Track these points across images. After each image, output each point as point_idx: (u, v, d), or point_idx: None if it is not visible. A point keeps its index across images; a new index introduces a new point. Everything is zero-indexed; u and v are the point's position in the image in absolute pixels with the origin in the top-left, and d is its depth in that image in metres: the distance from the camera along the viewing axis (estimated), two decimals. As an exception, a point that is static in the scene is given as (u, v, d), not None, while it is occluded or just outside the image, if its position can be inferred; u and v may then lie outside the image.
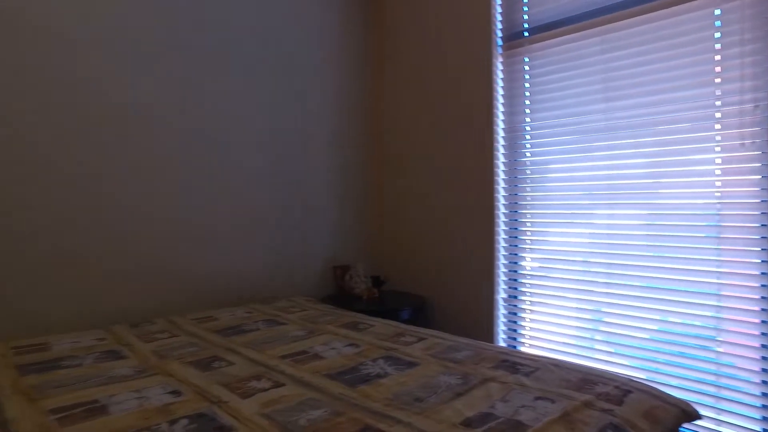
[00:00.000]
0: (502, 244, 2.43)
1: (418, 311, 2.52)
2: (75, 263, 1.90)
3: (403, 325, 1.89)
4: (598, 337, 2.07)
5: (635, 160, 1.96)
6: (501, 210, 2.42)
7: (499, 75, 2.41)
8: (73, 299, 1.89)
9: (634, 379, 1.36)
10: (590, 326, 2.09)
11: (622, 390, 1.25)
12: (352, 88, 2.88)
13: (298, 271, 2.62)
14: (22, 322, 1.78)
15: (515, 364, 1.44)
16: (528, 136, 2.32)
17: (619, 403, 1.18)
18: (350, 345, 1.61)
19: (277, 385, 1.26)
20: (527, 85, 2.30)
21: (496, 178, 2.41)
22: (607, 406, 1.16)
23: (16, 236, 1.77)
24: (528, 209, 2.33)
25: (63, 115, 1.88)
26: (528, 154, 2.32)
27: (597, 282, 2.07)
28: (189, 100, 2.21)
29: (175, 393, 1.21)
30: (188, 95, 2.20)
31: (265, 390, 1.23)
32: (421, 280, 2.74)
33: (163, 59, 2.13)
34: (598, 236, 2.07)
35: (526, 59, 2.30)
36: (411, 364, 1.43)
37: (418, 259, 2.77)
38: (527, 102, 2.31)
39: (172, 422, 1.05)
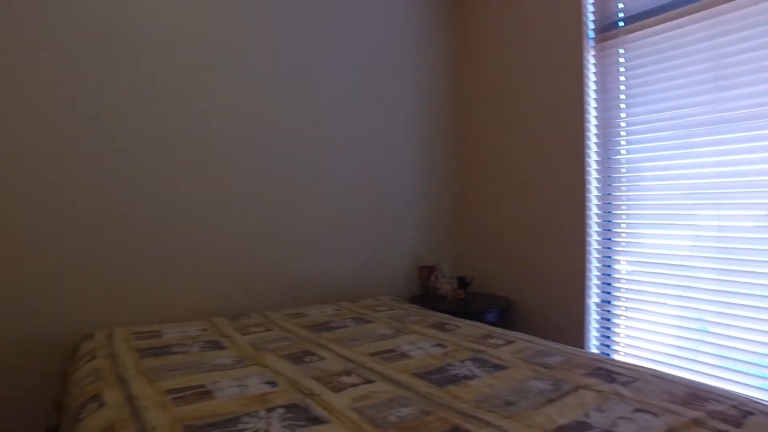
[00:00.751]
0: (594, 246, 2.31)
1: (503, 313, 2.46)
2: (183, 261, 2.08)
3: (489, 327, 1.86)
4: (703, 348, 1.91)
5: (749, 155, 1.78)
6: (592, 210, 2.31)
7: (590, 70, 2.30)
8: (181, 293, 2.07)
9: (755, 400, 1.23)
10: (694, 336, 1.93)
11: (741, 410, 1.13)
12: (438, 90, 2.88)
13: (385, 271, 2.66)
14: (141, 311, 1.99)
15: (611, 372, 1.36)
16: (623, 133, 2.19)
17: (738, 425, 1.07)
18: (437, 345, 1.62)
19: (367, 381, 1.30)
20: (622, 78, 2.18)
21: (588, 177, 2.29)
22: (722, 426, 1.05)
23: (137, 238, 1.98)
24: (623, 210, 2.20)
25: (182, 141, 2.06)
26: (623, 152, 2.19)
27: (702, 288, 1.90)
28: (290, 113, 2.33)
29: (272, 383, 1.28)
30: (289, 108, 2.33)
31: (355, 385, 1.26)
32: (506, 282, 2.68)
33: (262, 72, 2.26)
34: (703, 239, 1.91)
35: (621, 51, 2.18)
36: (499, 367, 1.41)
37: (503, 260, 2.71)
38: (622, 96, 2.18)
39: (270, 410, 1.11)
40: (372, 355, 1.52)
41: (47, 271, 1.84)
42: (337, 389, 1.24)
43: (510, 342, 1.66)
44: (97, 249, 1.92)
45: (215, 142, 2.16)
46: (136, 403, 1.14)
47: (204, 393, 1.20)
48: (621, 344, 2.21)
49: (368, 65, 2.60)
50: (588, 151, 2.29)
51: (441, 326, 1.87)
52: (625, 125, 2.18)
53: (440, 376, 1.34)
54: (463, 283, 2.65)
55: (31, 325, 1.81)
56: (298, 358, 1.49)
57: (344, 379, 1.31)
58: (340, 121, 2.50)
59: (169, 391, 1.21)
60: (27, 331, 1.81)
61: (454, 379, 1.30)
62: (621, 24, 2.18)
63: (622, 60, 2.18)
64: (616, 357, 2.21)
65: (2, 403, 1.78)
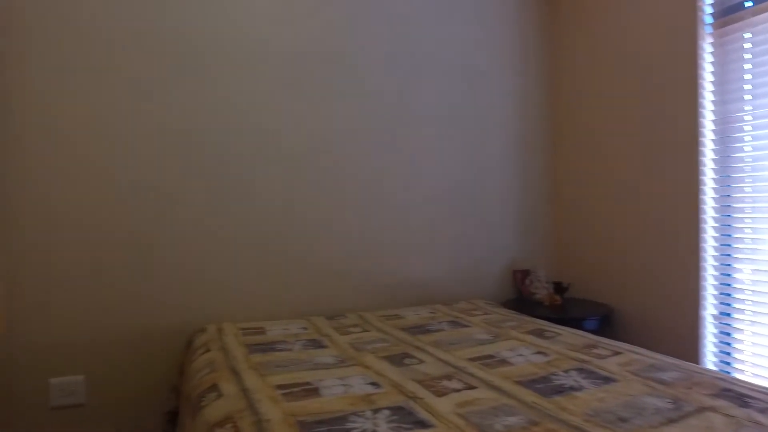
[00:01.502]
0: (710, 252, 2.11)
1: (604, 322, 2.33)
2: (284, 264, 2.20)
3: (593, 336, 1.77)
4: None
5: None
6: (708, 213, 2.11)
7: (706, 59, 2.10)
8: (282, 293, 2.19)
9: None
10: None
11: None
12: (533, 90, 2.79)
13: (478, 274, 2.62)
14: (246, 308, 2.13)
15: (742, 395, 1.23)
16: (748, 128, 1.98)
17: None
18: (538, 353, 1.56)
19: (469, 387, 1.28)
20: (748, 66, 1.97)
21: (702, 177, 2.10)
22: None
23: (244, 243, 2.12)
24: (746, 212, 1.99)
25: (283, 151, 2.17)
26: (747, 148, 1.98)
27: None
28: (381, 117, 2.37)
29: (375, 384, 1.30)
30: (380, 113, 2.37)
31: (457, 390, 1.25)
32: (607, 289, 2.53)
33: (354, 81, 2.32)
34: None
35: (747, 35, 1.97)
36: (608, 380, 1.33)
37: (604, 265, 2.56)
38: (747, 87, 1.97)
39: (376, 411, 1.13)
40: (472, 360, 1.50)
41: (168, 271, 2.02)
42: (440, 393, 1.23)
43: (617, 353, 1.57)
44: (209, 252, 2.08)
45: (312, 152, 2.25)
46: (251, 396, 1.21)
47: (311, 390, 1.25)
48: (745, 363, 1.99)
49: (460, 66, 2.57)
50: (702, 149, 2.10)
51: (540, 333, 1.80)
52: (750, 119, 1.97)
53: (545, 385, 1.29)
54: (560, 288, 2.54)
55: (155, 319, 2.00)
56: (397, 360, 1.51)
57: (446, 383, 1.31)
58: (431, 124, 2.50)
59: (279, 387, 1.27)
60: (152, 323, 1.99)
61: (560, 390, 1.25)
62: (748, 4, 1.97)
63: (747, 46, 1.97)
64: (737, 376, 2.00)
65: (134, 386, 1.97)
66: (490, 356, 1.54)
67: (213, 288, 2.08)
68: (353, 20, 2.33)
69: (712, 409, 1.15)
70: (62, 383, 1.89)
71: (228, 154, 2.12)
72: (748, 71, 1.97)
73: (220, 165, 2.10)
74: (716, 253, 2.10)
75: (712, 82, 2.09)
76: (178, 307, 2.03)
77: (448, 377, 1.35)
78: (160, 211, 2.01)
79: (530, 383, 1.30)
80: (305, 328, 1.90)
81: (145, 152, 2.00)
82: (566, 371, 1.39)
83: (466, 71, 2.59)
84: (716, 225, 2.10)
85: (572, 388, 1.26)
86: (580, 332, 1.82)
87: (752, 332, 1.97)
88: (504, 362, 1.48)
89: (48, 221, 1.87)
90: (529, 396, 1.21)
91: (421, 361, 1.49)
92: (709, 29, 2.09)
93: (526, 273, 2.67)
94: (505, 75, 2.71)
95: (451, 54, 2.55)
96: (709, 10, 2.09)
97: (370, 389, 1.27)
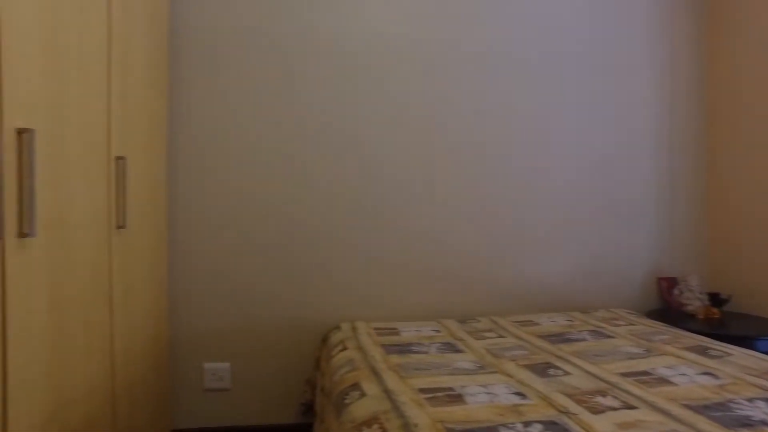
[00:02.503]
0: None
1: (780, 343, 2.00)
2: (416, 265, 2.20)
3: (773, 360, 1.52)
4: None
5: None
6: None
7: None
8: (413, 294, 2.20)
9: None
10: None
11: None
12: (681, 84, 2.50)
13: (616, 280, 2.41)
14: (377, 308, 2.17)
15: None
16: None
17: None
18: (705, 374, 1.38)
19: (628, 406, 1.16)
20: None
21: None
22: None
23: (377, 244, 2.17)
24: None
25: (415, 149, 2.19)
26: None
27: None
28: (510, 112, 2.28)
29: (520, 395, 1.23)
30: (510, 107, 2.28)
31: (614, 409, 1.14)
32: (778, 303, 2.18)
33: (481, 74, 2.26)
34: None
35: None
36: (805, 414, 1.13)
37: (774, 276, 2.21)
38: None
39: (526, 424, 1.07)
40: (624, 375, 1.37)
41: (307, 270, 2.13)
42: (596, 411, 1.13)
43: (809, 381, 1.33)
44: (345, 253, 2.15)
45: (450, 151, 2.23)
46: (394, 398, 1.21)
47: (455, 396, 1.22)
48: None
49: (600, 53, 2.38)
50: None
51: (702, 351, 1.60)
52: None
53: (724, 414, 1.12)
54: (717, 300, 2.24)
55: (292, 314, 2.11)
56: (540, 369, 1.42)
57: (600, 399, 1.20)
58: (563, 119, 2.35)
59: (421, 390, 1.26)
60: (289, 318, 2.11)
61: (747, 423, 1.08)
62: None
63: None
64: None
65: (272, 376, 2.10)
66: (646, 373, 1.39)
67: (347, 287, 2.15)
68: (498, 18, 2.27)
69: None
70: (213, 368, 2.07)
71: (373, 156, 2.17)
72: None
73: (365, 167, 2.17)
74: None
75: None
76: (314, 304, 2.13)
77: (602, 393, 1.24)
78: (304, 213, 2.12)
79: (703, 409, 1.15)
80: (438, 331, 1.88)
81: (294, 154, 2.12)
82: (750, 400, 1.20)
83: (609, 68, 2.39)
84: None
85: (764, 423, 1.08)
86: (757, 354, 1.57)
87: None
88: (664, 381, 1.33)
89: (201, 221, 2.06)
90: (705, 425, 1.07)
91: (567, 373, 1.39)
92: None
93: (673, 281, 2.40)
94: (653, 70, 2.45)
95: (595, 50, 2.37)
96: None
97: (516, 399, 1.20)
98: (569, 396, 1.22)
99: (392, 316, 2.17)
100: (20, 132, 0.93)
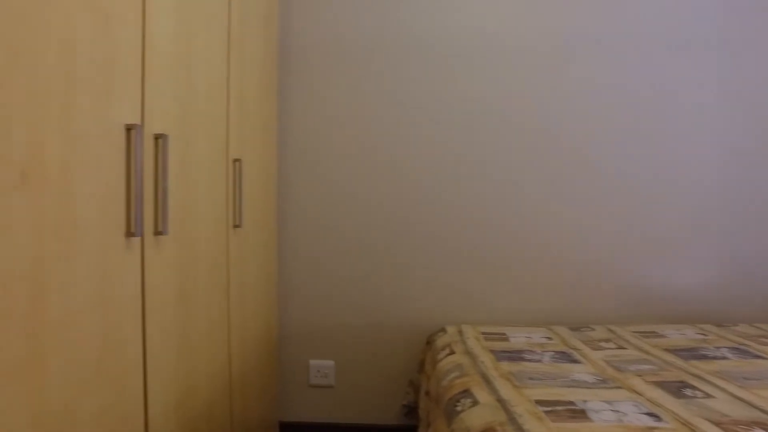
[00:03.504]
0: None
1: None
2: (526, 267, 2.09)
3: None
4: None
5: None
6: None
7: None
8: (522, 298, 2.09)
9: None
10: None
11: None
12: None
13: (759, 288, 2.12)
14: (484, 311, 2.09)
15: None
16: None
17: None
18: None
19: (798, 442, 0.99)
20: None
21: None
22: None
23: (485, 244, 2.09)
24: None
25: (523, 146, 2.09)
26: None
27: None
28: (631, 106, 2.09)
29: (653, 416, 1.10)
30: (630, 100, 2.09)
31: (779, 445, 0.98)
32: None
33: (605, 55, 2.09)
34: None
35: None
36: None
37: None
38: None
39: (666, 451, 0.95)
40: (784, 404, 1.18)
41: (413, 271, 2.10)
42: (752, 444, 0.98)
43: None
44: (452, 254, 2.10)
45: (551, 144, 2.09)
46: (510, 408, 1.14)
47: (578, 412, 1.12)
48: None
49: (730, 37, 2.10)
50: None
51: None
52: None
53: None
54: None
55: (397, 314, 2.10)
56: (674, 389, 1.27)
57: None
58: (691, 108, 2.10)
59: (539, 402, 1.17)
60: (394, 318, 2.10)
61: None
62: None
63: None
64: None
65: (374, 376, 2.11)
66: (812, 402, 1.19)
67: (453, 289, 2.09)
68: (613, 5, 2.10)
69: None
70: (318, 365, 2.12)
71: (480, 155, 2.10)
72: None
73: (472, 167, 2.10)
74: None
75: None
76: (419, 305, 2.10)
77: (762, 425, 1.07)
78: (411, 214, 2.11)
79: None
80: (549, 338, 1.76)
81: (400, 155, 2.11)
82: None
83: (741, 47, 2.11)
84: None
85: None
86: None
87: None
88: (838, 414, 1.12)
89: (310, 221, 2.12)
90: None
91: (708, 395, 1.23)
92: None
93: (832, 293, 2.05)
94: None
95: (726, 27, 2.10)
96: None
97: (649, 421, 1.08)
98: (717, 424, 1.07)
99: (498, 319, 2.08)
100: (156, 137, 0.99)
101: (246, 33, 1.59)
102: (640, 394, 1.23)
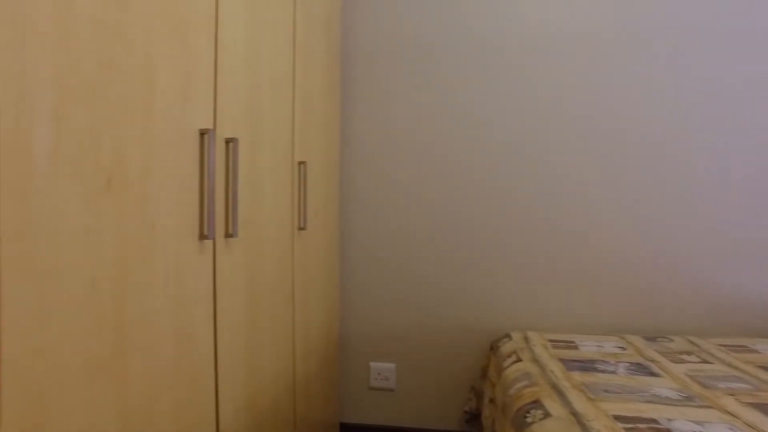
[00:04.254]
0: None
1: None
2: (598, 270, 1.98)
3: None
4: None
5: None
6: None
7: None
8: (593, 303, 1.98)
9: None
10: None
11: None
12: None
13: None
14: (551, 317, 2.01)
15: None
16: None
17: None
18: None
19: None
20: None
21: None
22: None
23: (554, 246, 2.00)
24: None
25: (594, 141, 1.99)
26: None
27: None
28: (701, 95, 1.95)
29: (750, 439, 1.01)
30: (702, 89, 1.95)
31: None
32: None
33: (683, 43, 1.95)
34: None
35: None
36: None
37: None
38: None
39: (768, 480, 0.86)
40: None
41: (478, 274, 2.05)
42: None
43: None
44: (518, 257, 2.03)
45: (627, 144, 1.97)
46: (585, 423, 1.08)
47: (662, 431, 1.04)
48: None
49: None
50: None
51: None
52: None
53: None
54: None
55: (459, 318, 2.06)
56: (774, 410, 1.15)
57: None
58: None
59: (618, 418, 1.10)
60: (456, 322, 2.06)
61: None
62: None
63: None
64: None
65: (436, 380, 2.07)
66: None
67: (519, 293, 2.02)
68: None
69: None
70: (379, 368, 2.11)
71: (548, 158, 2.02)
72: None
73: (539, 170, 2.02)
74: None
75: None
76: (482, 309, 2.04)
77: None
78: (475, 217, 2.06)
79: None
80: (623, 348, 1.66)
81: (464, 157, 2.06)
82: None
83: None
84: None
85: None
86: None
87: None
88: None
89: (371, 223, 2.11)
90: None
91: (815, 420, 1.10)
92: None
93: None
94: None
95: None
96: None
97: (746, 446, 0.98)
98: (825, 450, 0.96)
99: (564, 326, 1.99)
100: (227, 141, 1.01)
101: (310, 35, 1.61)
102: (736, 417, 1.13)
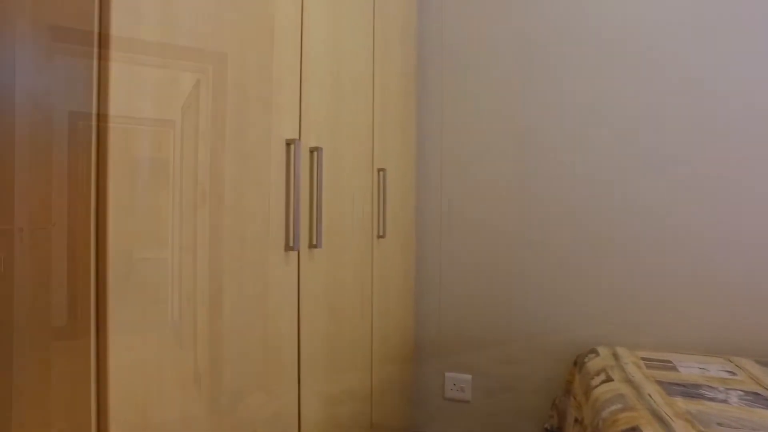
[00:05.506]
0: None
1: None
2: (703, 280, 1.79)
3: None
4: None
5: None
6: None
7: None
8: (694, 318, 1.80)
9: None
10: None
11: None
12: None
13: None
14: (642, 332, 1.85)
15: None
16: None
17: None
18: None
19: None
20: None
21: None
22: None
23: (651, 254, 1.85)
24: None
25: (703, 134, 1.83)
26: None
27: None
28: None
29: None
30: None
31: None
32: None
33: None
34: None
35: None
36: None
37: None
38: None
39: None
40: None
41: (561, 284, 1.94)
42: None
43: None
44: (600, 268, 1.89)
45: (748, 141, 1.79)
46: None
47: (792, 475, 0.91)
48: None
49: None
50: None
51: None
52: None
53: None
54: None
55: (539, 331, 1.95)
56: None
57: None
58: None
59: (735, 456, 0.98)
60: (536, 335, 1.95)
61: None
62: None
63: None
64: None
65: (513, 393, 1.98)
66: None
67: (606, 305, 1.88)
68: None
69: None
70: (454, 378, 2.05)
71: (645, 156, 1.88)
72: None
73: (630, 167, 1.88)
74: None
75: None
76: (564, 321, 1.92)
77: None
78: (558, 223, 1.95)
79: None
80: (732, 373, 1.49)
81: (548, 161, 1.97)
82: None
83: None
84: None
85: None
86: None
87: None
88: None
89: (448, 232, 2.06)
90: None
91: None
92: None
93: None
94: None
95: None
96: None
97: None
98: None
99: (658, 343, 1.83)
100: (312, 150, 1.00)
101: (387, 41, 1.59)
102: None
